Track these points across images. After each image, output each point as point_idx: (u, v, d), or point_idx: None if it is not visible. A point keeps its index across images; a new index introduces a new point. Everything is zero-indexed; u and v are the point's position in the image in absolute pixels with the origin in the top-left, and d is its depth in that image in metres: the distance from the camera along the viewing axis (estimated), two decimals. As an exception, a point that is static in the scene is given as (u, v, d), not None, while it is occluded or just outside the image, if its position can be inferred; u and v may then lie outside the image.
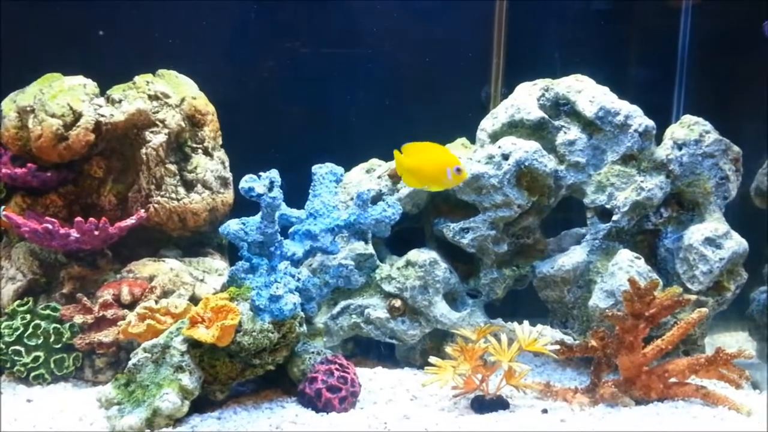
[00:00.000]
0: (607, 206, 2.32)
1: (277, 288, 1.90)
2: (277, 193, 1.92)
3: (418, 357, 2.42)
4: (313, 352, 2.08)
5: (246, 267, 2.00)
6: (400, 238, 2.55)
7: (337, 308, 2.39)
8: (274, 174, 1.93)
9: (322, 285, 2.08)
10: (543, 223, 2.49)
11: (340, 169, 2.15)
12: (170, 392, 1.84)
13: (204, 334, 1.86)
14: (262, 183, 1.92)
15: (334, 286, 2.10)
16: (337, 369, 2.01)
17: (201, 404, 1.96)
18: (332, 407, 1.99)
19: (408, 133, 2.56)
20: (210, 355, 1.92)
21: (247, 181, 1.92)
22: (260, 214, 1.96)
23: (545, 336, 2.18)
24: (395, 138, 2.58)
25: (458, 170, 2.08)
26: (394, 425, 1.92)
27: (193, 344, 1.91)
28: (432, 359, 2.12)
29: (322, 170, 2.13)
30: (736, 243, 2.26)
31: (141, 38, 2.77)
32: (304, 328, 2.02)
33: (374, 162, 2.55)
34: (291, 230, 2.10)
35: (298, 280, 2.00)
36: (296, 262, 2.05)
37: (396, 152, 2.11)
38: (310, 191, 2.13)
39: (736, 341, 2.67)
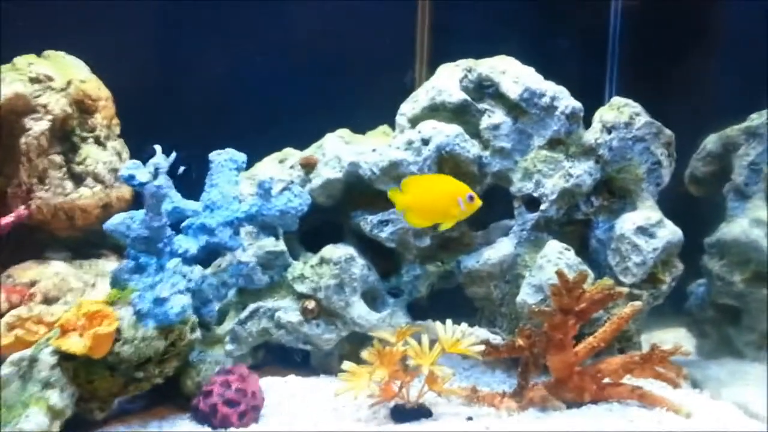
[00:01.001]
0: (535, 195, 2.16)
1: (162, 289, 1.67)
2: (164, 181, 1.69)
3: (336, 363, 2.20)
4: (210, 362, 1.86)
5: (131, 266, 1.76)
6: (317, 233, 2.34)
7: (245, 312, 2.16)
8: (159, 159, 1.70)
9: (220, 285, 1.86)
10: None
11: (241, 156, 1.92)
12: (36, 412, 1.59)
13: (74, 344, 1.61)
14: (146, 170, 1.69)
15: (233, 287, 1.88)
16: (235, 380, 1.79)
17: (77, 425, 1.70)
18: (230, 423, 1.76)
19: (329, 121, 2.39)
20: (86, 369, 1.67)
21: (128, 168, 1.69)
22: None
23: (470, 336, 2.01)
24: (315, 126, 2.40)
25: (471, 198, 1.85)
26: (299, 440, 1.71)
27: (65, 356, 1.65)
28: (345, 365, 1.92)
29: (221, 157, 1.90)
30: (671, 232, 2.13)
31: (39, 18, 2.50)
32: (198, 334, 1.79)
33: (288, 151, 2.33)
34: (184, 224, 1.87)
35: (190, 280, 1.77)
36: (190, 260, 1.82)
37: (392, 191, 1.90)
38: (206, 181, 1.91)
39: (675, 338, 2.53)
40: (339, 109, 2.68)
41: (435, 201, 1.88)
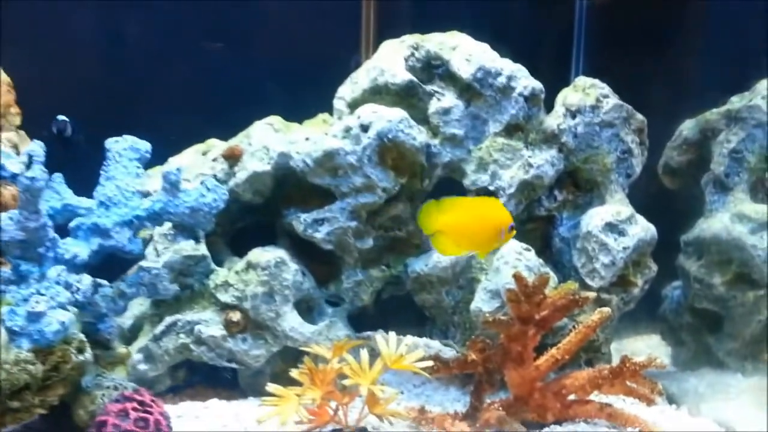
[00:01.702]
0: (491, 188, 1.91)
1: (36, 303, 1.38)
2: (39, 172, 1.41)
3: (268, 383, 1.94)
4: (108, 387, 1.57)
5: (8, 275, 1.47)
6: (247, 236, 2.07)
7: (161, 326, 1.88)
8: (34, 147, 1.41)
9: (117, 297, 1.57)
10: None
11: (144, 144, 1.64)
12: None
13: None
14: (19, 160, 1.40)
15: (133, 297, 1.60)
16: (134, 409, 1.50)
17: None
18: (129, 460, 1.48)
19: (268, 109, 2.11)
20: (-52, 399, 1.39)
21: (-4, 158, 1.40)
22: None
23: (416, 350, 1.75)
24: (253, 116, 2.13)
25: (511, 228, 1.58)
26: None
27: None
28: (270, 387, 1.64)
29: (119, 145, 1.62)
30: (643, 229, 1.89)
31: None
32: (88, 355, 1.50)
33: (212, 142, 2.05)
34: (72, 224, 1.58)
35: (77, 291, 1.49)
36: (80, 267, 1.54)
37: (427, 208, 1.60)
38: (101, 173, 1.62)
39: (648, 346, 2.31)
40: (278, 97, 2.42)
41: (477, 229, 1.59)
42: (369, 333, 2.04)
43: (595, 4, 2.37)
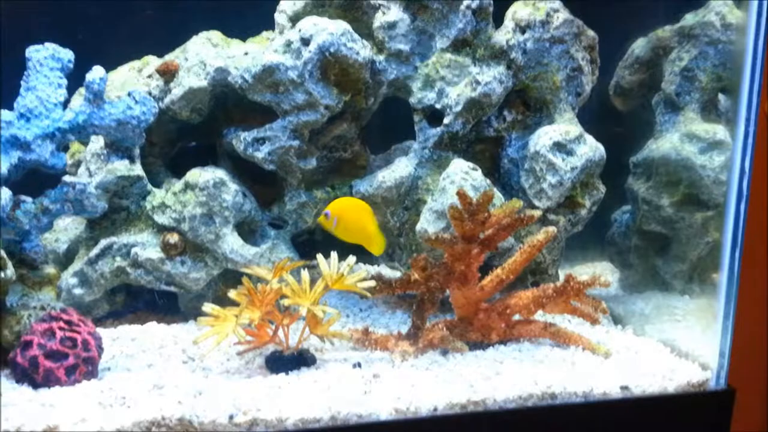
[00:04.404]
0: (437, 106, 1.85)
1: (-51, 215, 1.31)
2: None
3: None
4: (34, 308, 1.51)
5: None
6: (187, 157, 1.99)
7: (96, 249, 1.81)
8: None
9: (40, 213, 1.49)
10: (367, 133, 2.00)
11: (67, 53, 1.53)
12: None
13: None
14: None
15: (58, 214, 1.52)
16: (60, 328, 1.44)
17: None
18: (56, 380, 1.43)
19: (207, 25, 2.00)
20: None
21: None
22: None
23: (358, 271, 1.71)
24: (190, 30, 2.01)
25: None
26: (137, 399, 1.39)
27: None
28: (206, 306, 1.60)
29: (40, 54, 1.51)
30: (591, 149, 1.85)
31: None
32: (10, 273, 1.43)
33: (147, 59, 1.95)
34: (-11, 136, 1.49)
35: (-5, 205, 1.41)
36: None
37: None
38: (21, 83, 1.52)
39: (599, 271, 2.29)
40: (220, 11, 2.29)
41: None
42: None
43: None
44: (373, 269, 2.30)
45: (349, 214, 1.75)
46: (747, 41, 1.57)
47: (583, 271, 2.33)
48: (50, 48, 1.53)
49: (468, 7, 1.81)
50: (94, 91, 1.50)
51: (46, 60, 1.52)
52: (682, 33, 1.90)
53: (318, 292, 1.64)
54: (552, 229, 1.71)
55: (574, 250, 2.22)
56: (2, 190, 1.41)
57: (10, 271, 1.43)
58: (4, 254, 1.42)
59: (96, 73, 1.51)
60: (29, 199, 1.51)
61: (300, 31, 1.77)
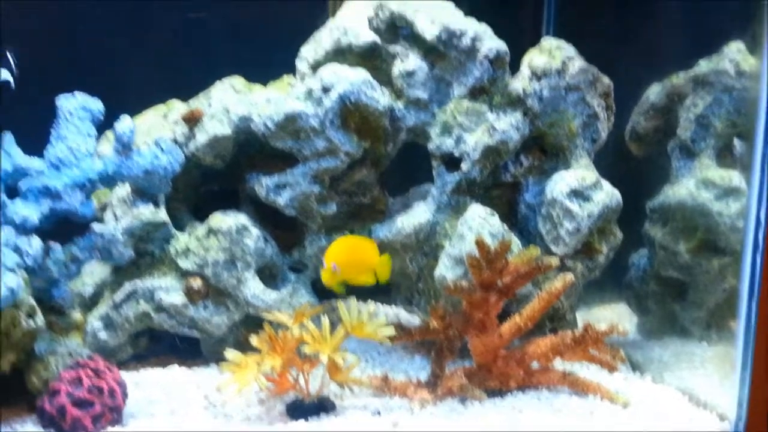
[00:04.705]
0: (455, 153, 1.88)
1: (-17, 267, 1.35)
2: (-17, 132, 1.36)
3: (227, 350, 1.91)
4: (62, 355, 1.54)
5: (-45, 239, 1.43)
6: (210, 201, 2.03)
7: (121, 293, 1.85)
8: (-22, 106, 1.37)
9: (69, 261, 1.53)
10: (385, 177, 2.03)
11: (97, 104, 1.59)
12: None
13: None
14: (-39, 119, 1.35)
15: (86, 262, 1.56)
16: (88, 376, 1.48)
17: None
18: (83, 428, 1.45)
19: (231, 68, 2.05)
20: None
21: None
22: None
23: (378, 317, 1.73)
24: (217, 74, 2.05)
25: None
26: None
27: None
28: (229, 353, 1.63)
29: (70, 104, 1.57)
30: (608, 195, 1.86)
31: None
32: (40, 321, 1.47)
33: (172, 104, 1.99)
34: (22, 186, 1.53)
35: (27, 254, 1.45)
36: (31, 231, 1.50)
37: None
38: (52, 132, 1.57)
39: (614, 315, 2.30)
40: (243, 55, 2.35)
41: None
42: (333, 300, 2.02)
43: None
44: (391, 311, 2.32)
45: (349, 256, 1.75)
46: (761, 88, 1.60)
47: (600, 314, 2.34)
48: (80, 98, 1.58)
49: (485, 56, 1.84)
50: (123, 142, 1.55)
51: (76, 110, 1.57)
52: (696, 80, 1.93)
53: (338, 338, 1.66)
54: (570, 276, 1.73)
55: (591, 291, 2.22)
56: (33, 240, 1.45)
57: (39, 319, 1.46)
58: (34, 303, 1.45)
59: (125, 124, 1.56)
60: (58, 247, 1.55)
61: (321, 79, 1.82)
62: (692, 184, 1.90)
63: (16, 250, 1.43)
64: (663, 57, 2.03)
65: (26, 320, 1.43)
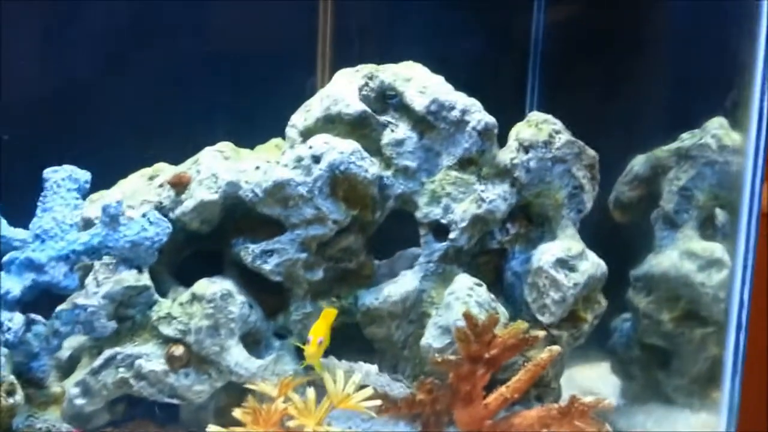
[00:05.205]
0: (443, 221, 1.88)
1: (-37, 345, 1.31)
2: (-31, 206, 1.34)
3: (211, 419, 1.87)
4: (40, 429, 1.50)
5: (-67, 313, 1.40)
6: (194, 265, 2.01)
7: (100, 360, 1.80)
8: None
9: (51, 335, 1.50)
10: (373, 241, 2.02)
11: (83, 174, 1.58)
12: None
13: None
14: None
15: (68, 335, 1.53)
16: (66, 453, 1.44)
17: None
18: (59, 508, 1.42)
19: (218, 133, 2.06)
20: None
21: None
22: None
23: (364, 389, 1.71)
24: (202, 139, 2.07)
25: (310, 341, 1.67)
26: None
27: None
28: (210, 428, 1.59)
29: (57, 175, 1.55)
30: (593, 265, 1.88)
31: None
32: (19, 398, 1.43)
33: (160, 167, 1.98)
34: (5, 258, 1.50)
35: (8, 330, 1.42)
36: (12, 304, 1.47)
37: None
38: (38, 204, 1.55)
39: (598, 375, 2.31)
40: (231, 118, 2.36)
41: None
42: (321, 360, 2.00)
43: (550, 40, 2.37)
44: (377, 376, 2.29)
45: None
46: (746, 163, 1.64)
47: (582, 373, 2.34)
48: (68, 169, 1.57)
49: (474, 128, 1.86)
50: (111, 214, 1.53)
51: (63, 181, 1.56)
52: (679, 153, 1.97)
53: (323, 411, 1.64)
54: (556, 348, 1.73)
55: (573, 350, 2.23)
56: (15, 315, 1.42)
57: (19, 396, 1.43)
58: (14, 379, 1.42)
59: (113, 197, 1.55)
60: (41, 319, 1.52)
61: (311, 148, 1.82)
62: (675, 255, 1.93)
63: (-2, 325, 1.40)
64: (645, 129, 2.08)
65: (6, 398, 1.39)
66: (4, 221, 1.54)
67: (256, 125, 2.18)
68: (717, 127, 1.93)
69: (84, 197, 1.61)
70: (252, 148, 2.03)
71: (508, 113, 1.98)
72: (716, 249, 1.90)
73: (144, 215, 1.59)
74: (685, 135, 2.00)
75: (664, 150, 2.01)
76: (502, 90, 2.41)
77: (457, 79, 1.94)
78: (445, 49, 2.32)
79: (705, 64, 2.11)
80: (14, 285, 1.46)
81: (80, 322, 1.51)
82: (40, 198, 1.54)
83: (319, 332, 1.66)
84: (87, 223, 1.77)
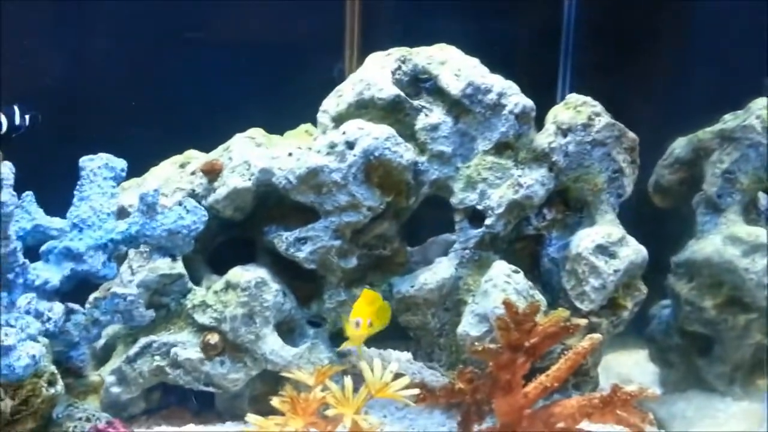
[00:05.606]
0: (479, 207, 1.85)
1: (6, 336, 1.30)
2: (8, 196, 1.32)
3: (246, 406, 1.86)
4: (80, 419, 1.50)
5: (-26, 303, 1.39)
6: (227, 252, 2.00)
7: (135, 348, 1.80)
8: (3, 170, 1.33)
9: (90, 324, 1.50)
10: (406, 227, 2.00)
11: (120, 162, 1.56)
12: None
13: None
14: (-16, 183, 1.32)
15: (108, 325, 1.52)
16: (106, 442, 1.44)
17: None
18: (100, 496, 1.42)
19: (247, 120, 2.04)
20: None
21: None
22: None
23: (402, 377, 1.69)
24: (233, 125, 2.05)
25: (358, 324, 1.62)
26: None
27: None
28: (250, 418, 1.58)
29: (94, 164, 1.54)
30: (634, 251, 1.84)
31: None
32: (60, 388, 1.43)
33: (190, 154, 1.96)
34: (43, 248, 1.50)
35: (48, 320, 1.41)
36: (51, 294, 1.46)
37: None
38: (75, 193, 1.54)
39: (635, 362, 2.27)
40: (259, 105, 2.33)
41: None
42: (352, 348, 1.97)
43: (584, 19, 2.30)
44: (403, 356, 2.27)
45: (375, 310, 1.71)
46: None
47: (619, 360, 2.31)
48: (104, 158, 1.55)
49: (511, 111, 1.82)
50: (148, 203, 1.52)
51: (99, 170, 1.54)
52: (722, 135, 1.91)
53: (361, 399, 1.62)
54: (597, 336, 1.68)
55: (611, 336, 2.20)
56: (55, 305, 1.42)
57: (60, 386, 1.42)
58: (54, 369, 1.41)
59: (150, 185, 1.54)
60: (80, 309, 1.51)
61: (344, 134, 1.79)
62: (719, 240, 1.88)
63: (38, 315, 1.39)
64: (686, 111, 2.02)
65: (47, 388, 1.38)
66: (41, 210, 1.53)
67: (281, 111, 2.16)
68: (761, 107, 1.87)
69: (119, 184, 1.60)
70: (281, 134, 2.01)
71: (540, 97, 1.94)
72: (761, 234, 1.84)
73: (180, 203, 1.58)
74: (727, 116, 1.94)
75: (706, 132, 1.94)
76: (534, 73, 2.36)
77: (489, 63, 1.90)
78: (476, 33, 2.28)
79: (746, 44, 2.05)
80: (53, 274, 1.45)
81: (119, 312, 1.50)
82: (77, 187, 1.53)
83: (366, 314, 1.63)
84: (120, 211, 1.77)
